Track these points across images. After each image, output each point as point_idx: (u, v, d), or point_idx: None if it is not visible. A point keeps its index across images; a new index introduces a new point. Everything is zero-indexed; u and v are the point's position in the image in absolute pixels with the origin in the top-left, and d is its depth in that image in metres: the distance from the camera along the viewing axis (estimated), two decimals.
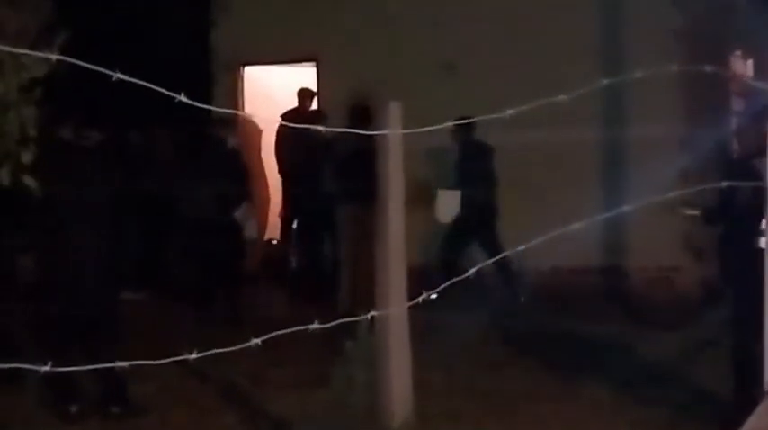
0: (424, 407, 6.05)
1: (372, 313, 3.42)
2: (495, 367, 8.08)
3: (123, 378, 7.21)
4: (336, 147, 10.31)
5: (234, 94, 13.65)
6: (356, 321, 4.69)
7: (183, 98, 2.56)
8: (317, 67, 13.55)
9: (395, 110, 5.71)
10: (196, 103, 2.60)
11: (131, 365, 3.02)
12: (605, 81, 3.72)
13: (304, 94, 13.00)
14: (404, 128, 5.61)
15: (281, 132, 12.70)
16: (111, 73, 2.43)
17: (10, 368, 2.79)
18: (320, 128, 3.18)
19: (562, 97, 3.69)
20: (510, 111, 3.33)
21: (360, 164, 9.74)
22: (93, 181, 7.17)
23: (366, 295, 9.02)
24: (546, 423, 6.80)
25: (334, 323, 3.11)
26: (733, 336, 6.52)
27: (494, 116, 3.40)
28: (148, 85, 2.49)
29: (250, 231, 10.60)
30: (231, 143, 10.65)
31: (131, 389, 7.36)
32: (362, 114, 10.18)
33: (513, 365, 8.18)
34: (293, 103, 12.93)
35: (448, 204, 10.48)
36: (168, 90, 2.91)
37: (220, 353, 3.14)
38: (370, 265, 9.06)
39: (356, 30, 12.86)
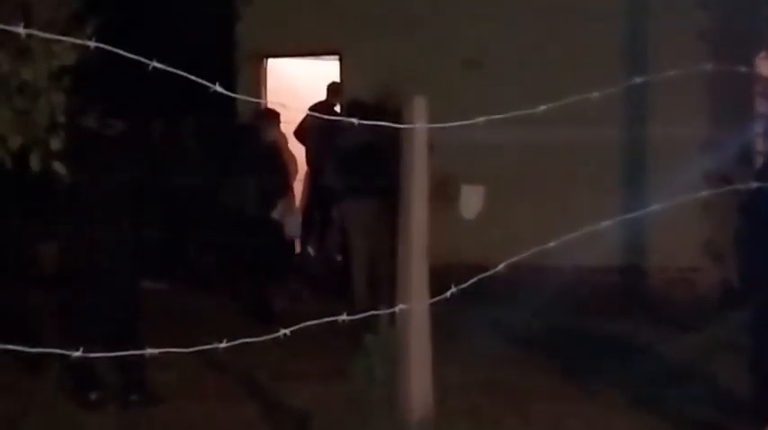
0: (443, 403, 6.04)
1: (399, 307, 3.40)
2: (515, 364, 8.06)
3: (143, 367, 7.25)
4: (342, 142, 10.26)
5: (257, 86, 13.65)
6: (376, 315, 4.73)
7: (218, 88, 2.56)
8: (341, 60, 13.55)
9: (420, 104, 5.70)
10: (230, 94, 2.60)
11: (152, 354, 3.03)
12: (638, 79, 3.70)
13: (334, 89, 12.97)
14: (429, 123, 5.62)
15: (308, 125, 12.68)
16: (147, 61, 2.43)
17: (30, 354, 2.80)
18: (353, 120, 3.16)
19: (594, 94, 3.68)
20: (542, 108, 3.32)
21: (370, 159, 9.79)
22: (116, 170, 7.19)
23: (382, 289, 9.09)
24: (564, 421, 6.78)
25: (363, 315, 3.12)
26: (751, 338, 6.51)
27: (526, 112, 3.39)
28: (184, 74, 2.49)
29: (292, 229, 10.44)
30: (269, 137, 10.57)
31: (150, 378, 7.40)
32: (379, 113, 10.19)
33: (532, 363, 8.16)
34: (317, 96, 12.92)
35: (472, 200, 10.47)
36: (191, 81, 2.92)
37: (241, 344, 3.15)
38: (387, 260, 9.18)
39: (380, 24, 12.85)
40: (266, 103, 9.70)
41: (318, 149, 12.21)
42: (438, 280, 5.63)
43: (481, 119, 3.22)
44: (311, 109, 12.10)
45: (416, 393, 5.81)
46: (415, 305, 5.44)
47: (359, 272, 10.14)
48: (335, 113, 12.14)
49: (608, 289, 10.87)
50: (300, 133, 12.98)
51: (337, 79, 13.27)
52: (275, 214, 10.22)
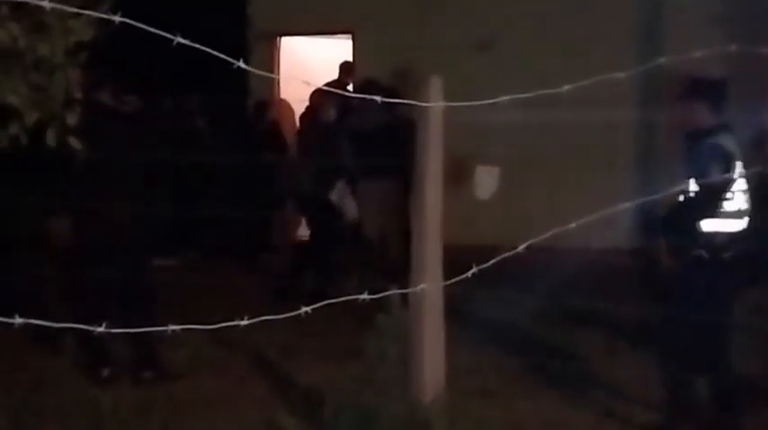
0: (456, 384, 6.04)
1: (421, 287, 3.38)
2: (528, 347, 8.05)
3: (156, 343, 7.26)
4: (355, 122, 10.20)
5: (270, 64, 13.63)
6: (388, 295, 4.72)
7: (241, 64, 2.55)
8: (353, 39, 13.52)
9: (435, 84, 5.67)
10: (252, 69, 2.59)
11: (172, 331, 3.02)
12: (662, 59, 3.67)
13: (346, 68, 12.93)
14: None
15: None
16: (171, 37, 2.42)
17: (42, 330, 2.80)
18: (377, 98, 3.14)
19: (620, 74, 3.66)
20: (567, 87, 3.30)
21: (383, 138, 9.75)
22: (130, 146, 7.18)
23: (396, 269, 9.07)
24: (576, 403, 6.78)
25: (384, 294, 3.11)
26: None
27: (549, 92, 3.37)
28: (206, 49, 2.48)
29: (351, 212, 10.22)
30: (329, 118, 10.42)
31: (163, 354, 7.42)
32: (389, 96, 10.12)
33: (546, 345, 8.15)
34: (329, 75, 12.89)
35: (486, 181, 10.43)
36: (205, 59, 2.90)
37: (255, 321, 3.14)
38: (398, 239, 9.17)
39: (393, 3, 12.82)
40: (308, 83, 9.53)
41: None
42: (451, 260, 5.66)
43: (503, 98, 3.19)
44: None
45: (429, 373, 5.79)
46: (430, 286, 5.42)
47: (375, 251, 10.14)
48: (348, 92, 12.11)
49: (622, 271, 10.83)
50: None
51: (350, 58, 13.24)
52: (333, 195, 10.13)
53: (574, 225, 3.44)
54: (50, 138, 3.94)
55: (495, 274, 3.99)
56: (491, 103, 3.95)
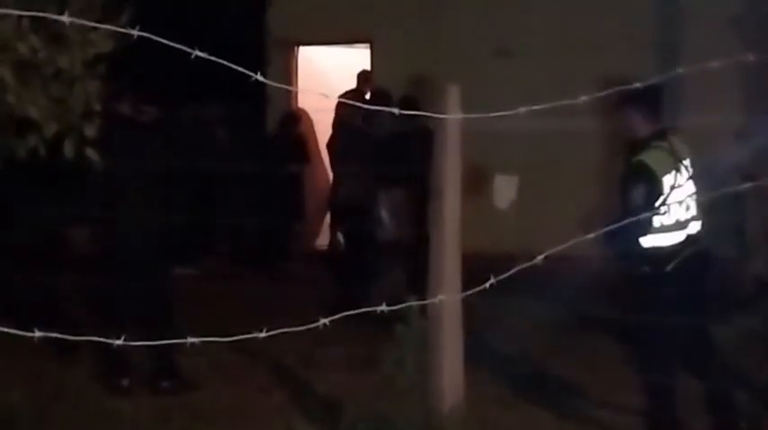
0: (474, 393, 6.04)
1: (439, 298, 3.38)
2: (547, 354, 8.03)
3: (174, 353, 7.28)
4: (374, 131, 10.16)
5: (288, 73, 13.65)
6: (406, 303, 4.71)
7: (259, 77, 2.56)
8: (371, 49, 13.53)
9: (453, 93, 5.68)
10: (270, 83, 2.60)
11: (192, 342, 3.03)
12: (680, 70, 3.66)
13: (364, 77, 12.94)
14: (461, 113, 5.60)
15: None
16: (189, 50, 2.43)
17: (61, 339, 2.80)
18: (395, 110, 3.13)
19: (636, 85, 3.65)
20: (584, 98, 3.29)
21: (402, 148, 9.74)
22: (149, 156, 7.21)
23: (415, 278, 9.06)
24: (596, 411, 6.76)
25: (402, 306, 3.11)
26: None
27: (565, 102, 3.36)
28: (224, 62, 2.48)
29: (391, 221, 9.96)
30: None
31: (181, 363, 7.43)
32: (407, 105, 10.14)
33: (565, 353, 8.13)
34: (347, 84, 12.91)
35: (505, 190, 10.42)
36: (223, 68, 2.91)
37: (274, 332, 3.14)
38: (418, 249, 9.14)
39: (411, 12, 12.83)
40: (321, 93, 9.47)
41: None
42: (469, 269, 5.66)
43: (521, 109, 3.18)
44: (342, 97, 12.10)
45: (447, 382, 5.80)
46: (448, 295, 5.43)
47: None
48: (366, 102, 12.11)
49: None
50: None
51: (368, 67, 13.25)
52: (381, 208, 10.06)
53: (592, 235, 3.43)
54: (68, 149, 3.97)
55: (512, 282, 3.99)
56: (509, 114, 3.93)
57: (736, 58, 3.72)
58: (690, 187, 5.96)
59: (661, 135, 5.97)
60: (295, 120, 12.75)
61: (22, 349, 5.59)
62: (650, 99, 5.90)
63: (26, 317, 8.12)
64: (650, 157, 5.86)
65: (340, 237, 12.71)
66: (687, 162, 5.97)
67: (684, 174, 5.92)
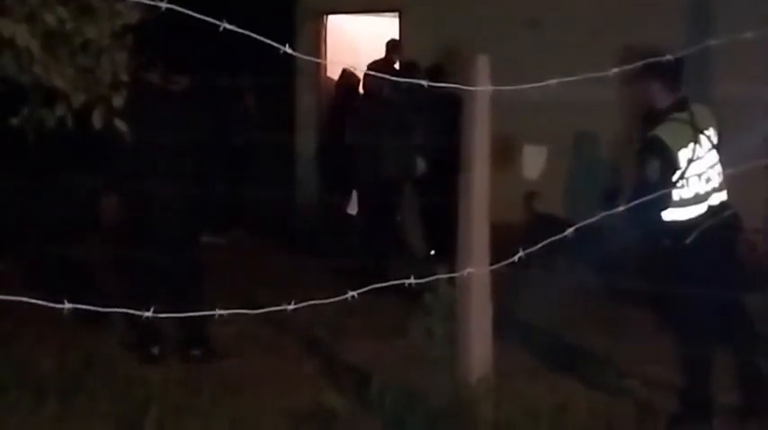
0: (503, 364, 6.03)
1: (467, 271, 3.37)
2: (576, 326, 8.01)
3: (204, 322, 7.30)
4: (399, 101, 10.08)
5: (317, 43, 13.62)
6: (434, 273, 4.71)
7: (287, 49, 2.55)
8: (400, 17, 13.47)
9: (483, 64, 5.63)
10: (298, 54, 2.59)
11: (220, 314, 3.05)
12: (712, 41, 3.62)
13: (393, 46, 12.89)
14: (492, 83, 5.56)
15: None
16: (217, 23, 2.43)
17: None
18: (423, 82, 3.11)
19: (668, 57, 3.62)
20: (615, 70, 3.27)
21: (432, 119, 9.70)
22: (180, 125, 7.22)
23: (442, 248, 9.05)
24: (624, 382, 6.74)
25: (430, 279, 3.11)
26: None
27: (596, 74, 3.34)
28: (253, 35, 2.48)
29: None
30: None
31: (211, 332, 7.47)
32: (436, 72, 10.11)
33: (594, 325, 8.11)
34: (377, 53, 12.87)
35: (534, 160, 10.38)
36: (251, 38, 2.90)
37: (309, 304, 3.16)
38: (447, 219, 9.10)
39: None
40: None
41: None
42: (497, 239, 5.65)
43: (552, 81, 3.17)
44: (371, 66, 12.08)
45: (476, 353, 5.79)
46: (477, 268, 5.41)
47: (413, 230, 10.12)
48: (395, 70, 12.07)
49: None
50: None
51: (396, 36, 13.20)
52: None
53: (621, 208, 3.41)
54: (96, 119, 3.98)
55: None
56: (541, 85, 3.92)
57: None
58: (711, 158, 5.89)
59: (681, 105, 5.88)
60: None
61: (53, 318, 5.63)
62: (669, 68, 5.81)
63: (56, 287, 8.20)
64: (666, 132, 5.80)
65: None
66: (710, 132, 5.90)
67: (706, 145, 5.86)
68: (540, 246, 3.17)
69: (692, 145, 5.79)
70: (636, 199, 5.56)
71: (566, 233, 3.18)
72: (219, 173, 10.89)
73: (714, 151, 5.90)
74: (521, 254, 3.17)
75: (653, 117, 5.91)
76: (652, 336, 7.58)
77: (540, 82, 4.05)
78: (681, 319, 6.05)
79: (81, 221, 10.36)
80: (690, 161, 5.78)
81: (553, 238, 3.18)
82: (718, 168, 5.93)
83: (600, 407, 6.30)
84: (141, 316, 3.15)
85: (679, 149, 5.77)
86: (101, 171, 7.61)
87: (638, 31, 10.47)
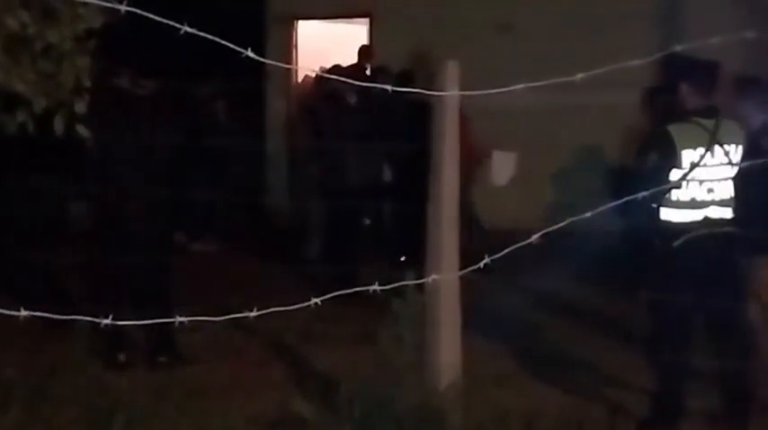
0: (471, 370, 6.01)
1: (432, 277, 3.35)
2: (544, 332, 8.01)
3: (171, 328, 7.25)
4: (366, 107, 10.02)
5: (288, 48, 13.59)
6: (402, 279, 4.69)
7: (249, 53, 2.52)
8: (371, 23, 13.46)
9: (452, 69, 5.62)
10: (261, 59, 2.56)
11: (181, 321, 3.02)
12: (678, 47, 3.61)
13: (365, 52, 12.86)
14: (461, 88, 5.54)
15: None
16: (178, 26, 2.39)
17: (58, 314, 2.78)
18: (387, 87, 3.10)
19: (636, 62, 3.60)
20: (580, 75, 3.25)
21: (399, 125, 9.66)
22: (148, 129, 7.16)
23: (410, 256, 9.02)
24: (593, 388, 6.73)
25: (396, 285, 3.09)
26: None
27: (563, 80, 3.31)
28: (214, 38, 2.45)
29: None
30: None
31: (178, 339, 7.41)
32: (405, 78, 10.10)
33: (562, 330, 8.11)
34: (347, 59, 12.83)
35: (503, 166, 10.36)
36: (219, 43, 2.87)
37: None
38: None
39: None
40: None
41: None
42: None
43: (519, 86, 3.14)
44: (340, 72, 12.01)
45: (444, 359, 5.78)
46: (445, 274, 5.40)
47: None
48: (367, 76, 12.05)
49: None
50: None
51: (367, 42, 13.19)
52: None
53: (589, 214, 3.39)
54: (58, 125, 3.93)
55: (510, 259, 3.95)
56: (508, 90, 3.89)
57: (737, 36, 3.66)
58: (723, 172, 5.81)
59: (709, 113, 5.80)
60: None
61: (18, 323, 5.57)
62: (701, 73, 5.80)
63: (21, 293, 8.12)
64: (677, 129, 5.77)
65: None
66: (731, 148, 5.80)
67: (720, 157, 5.78)
68: (504, 253, 3.14)
69: (701, 150, 5.72)
70: (628, 188, 5.53)
71: (531, 239, 3.15)
72: (190, 178, 10.87)
73: (729, 167, 5.82)
74: (487, 260, 3.14)
75: (677, 116, 5.89)
76: (626, 342, 7.60)
77: (512, 86, 4.01)
78: (654, 321, 6.05)
79: (50, 227, 10.31)
80: (693, 165, 5.72)
81: (521, 244, 3.15)
82: (729, 184, 5.86)
83: (571, 412, 6.29)
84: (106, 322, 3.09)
85: (684, 149, 5.72)
86: (69, 177, 7.55)
87: (609, 36, 10.53)
